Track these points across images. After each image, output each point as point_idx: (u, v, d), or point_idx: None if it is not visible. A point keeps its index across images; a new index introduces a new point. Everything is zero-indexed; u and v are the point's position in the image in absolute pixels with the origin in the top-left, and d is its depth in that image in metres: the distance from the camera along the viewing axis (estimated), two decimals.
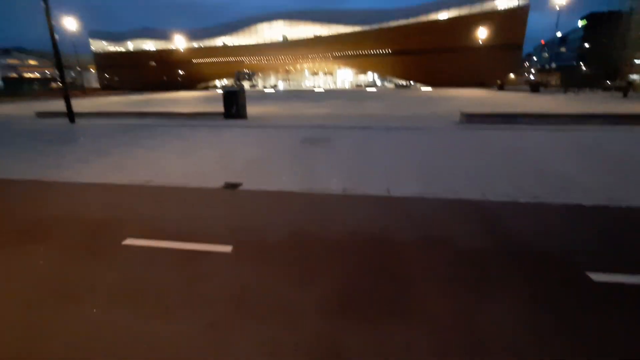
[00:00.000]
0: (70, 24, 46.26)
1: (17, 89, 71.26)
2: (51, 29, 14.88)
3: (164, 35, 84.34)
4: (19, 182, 6.73)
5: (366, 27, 72.21)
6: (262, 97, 39.83)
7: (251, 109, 19.22)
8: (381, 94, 45.95)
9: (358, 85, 77.47)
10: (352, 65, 78.11)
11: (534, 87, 42.82)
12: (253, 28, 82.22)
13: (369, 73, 78.62)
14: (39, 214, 5.08)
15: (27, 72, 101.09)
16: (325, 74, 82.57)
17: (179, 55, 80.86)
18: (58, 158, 8.78)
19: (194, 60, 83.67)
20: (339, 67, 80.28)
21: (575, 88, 44.67)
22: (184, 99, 37.54)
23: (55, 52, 15.33)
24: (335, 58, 77.16)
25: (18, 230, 4.51)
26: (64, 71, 15.94)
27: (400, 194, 5.65)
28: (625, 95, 31.51)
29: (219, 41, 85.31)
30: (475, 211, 4.87)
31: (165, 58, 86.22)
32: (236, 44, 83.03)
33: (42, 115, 18.64)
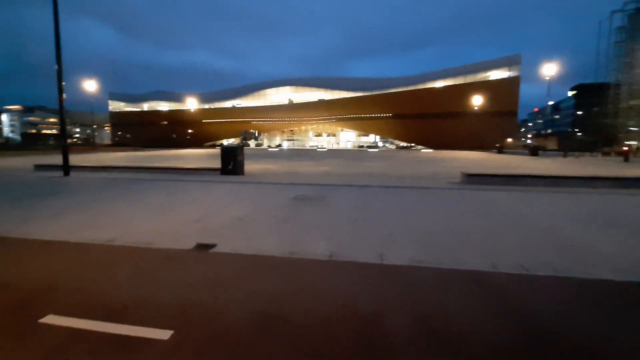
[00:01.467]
0: (90, 86, 49.50)
1: (34, 143, 74.39)
2: (60, 91, 15.45)
3: (176, 98, 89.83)
4: None
5: (367, 93, 76.72)
6: (266, 155, 40.54)
7: (251, 166, 19.09)
8: (382, 154, 46.72)
9: (360, 146, 79.79)
10: (353, 127, 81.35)
11: (533, 151, 43.42)
12: (261, 92, 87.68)
13: (371, 135, 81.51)
14: None
15: (46, 128, 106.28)
16: (327, 135, 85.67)
17: (189, 115, 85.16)
18: (29, 212, 8.17)
19: (203, 120, 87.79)
20: (341, 129, 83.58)
21: (576, 152, 45.26)
22: (188, 155, 38.19)
23: (60, 111, 15.72)
24: (337, 120, 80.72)
25: None
26: (65, 128, 16.19)
27: (395, 261, 4.84)
28: (626, 160, 31.61)
29: (228, 104, 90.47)
30: (486, 286, 4.01)
31: (175, 118, 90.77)
32: (245, 106, 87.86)
33: (39, 167, 18.57)
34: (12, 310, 3.47)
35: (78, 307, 3.51)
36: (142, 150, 59.54)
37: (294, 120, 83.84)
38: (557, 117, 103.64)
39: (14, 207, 8.67)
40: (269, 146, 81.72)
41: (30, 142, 77.93)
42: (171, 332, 3.05)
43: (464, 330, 3.10)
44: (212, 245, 5.55)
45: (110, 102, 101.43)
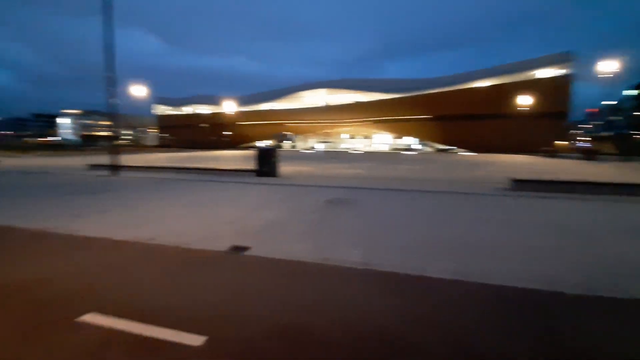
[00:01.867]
0: (138, 91, 52.90)
1: (91, 144, 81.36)
2: (110, 98, 16.59)
3: (214, 101, 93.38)
4: (21, 230, 6.51)
5: (404, 95, 74.91)
6: (300, 157, 40.86)
7: (286, 168, 19.23)
8: (420, 157, 45.31)
9: (396, 149, 78.04)
10: (389, 130, 79.78)
11: (588, 154, 39.83)
12: (295, 95, 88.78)
13: (407, 137, 79.52)
14: (14, 270, 4.58)
15: (99, 131, 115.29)
16: (363, 137, 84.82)
17: (226, 118, 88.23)
18: (80, 208, 8.72)
19: (239, 123, 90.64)
20: (377, 131, 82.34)
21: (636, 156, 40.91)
22: (225, 157, 39.49)
23: (111, 116, 16.87)
24: (372, 122, 79.62)
25: None
26: (116, 130, 17.33)
27: (436, 273, 4.49)
28: None
29: (263, 106, 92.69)
30: (546, 309, 3.57)
31: (214, 120, 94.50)
32: (279, 108, 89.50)
33: (92, 167, 20.03)
34: (53, 306, 3.62)
35: (117, 306, 3.58)
36: (183, 151, 62.62)
37: (328, 123, 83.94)
38: (614, 118, 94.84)
39: (67, 204, 9.32)
40: (304, 148, 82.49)
41: (86, 143, 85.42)
42: (204, 338, 2.99)
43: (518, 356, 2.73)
44: (246, 248, 5.52)
45: (155, 106, 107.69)
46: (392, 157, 45.02)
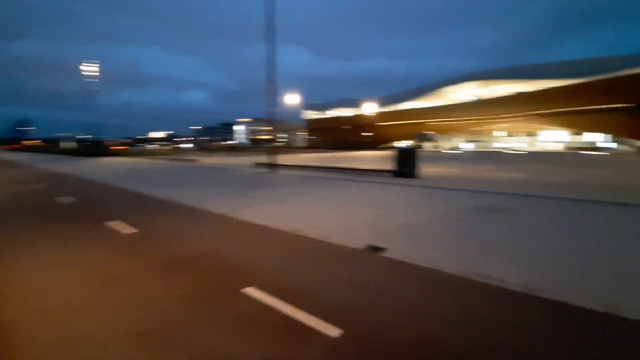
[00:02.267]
0: (292, 99, 60.51)
1: (257, 146, 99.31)
2: (270, 106, 19.53)
3: (356, 103, 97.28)
4: (202, 211, 8.31)
5: (588, 79, 58.95)
6: (443, 158, 38.00)
7: (428, 169, 18.27)
8: (612, 159, 35.00)
9: (575, 148, 62.09)
10: (564, 124, 64.34)
11: None
12: (438, 92, 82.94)
13: (591, 133, 62.48)
14: (196, 244, 5.87)
15: (262, 135, 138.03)
16: (525, 134, 71.84)
17: (366, 119, 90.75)
18: (246, 198, 10.57)
19: (380, 123, 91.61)
20: (544, 126, 68.02)
21: None
22: (365, 157, 40.68)
23: (271, 123, 19.82)
24: (539, 116, 66.12)
25: (170, 260, 5.25)
26: (274, 134, 20.25)
27: (632, 313, 3.28)
28: None
29: (403, 106, 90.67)
30: None
31: (355, 122, 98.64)
32: (421, 106, 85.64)
33: (256, 165, 24.15)
34: (223, 276, 4.43)
35: (271, 284, 4.11)
36: (327, 151, 68.12)
37: (478, 119, 74.75)
38: None
39: (238, 194, 11.45)
40: (448, 148, 76.20)
41: (254, 145, 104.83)
42: (340, 331, 3.07)
43: None
44: (383, 249, 5.44)
45: (304, 111, 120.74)
46: (569, 158, 36.33)
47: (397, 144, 74.36)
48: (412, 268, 4.69)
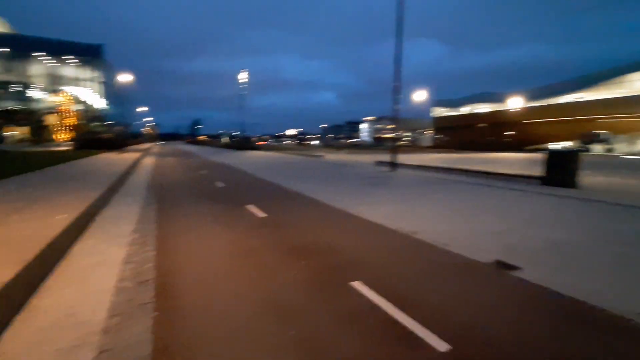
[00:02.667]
0: (419, 96, 57.81)
1: (379, 145, 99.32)
2: (395, 104, 19.07)
3: (496, 98, 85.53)
4: (325, 205, 8.73)
5: None
6: (621, 165, 29.24)
7: (593, 178, 14.72)
8: None
9: None
10: None
11: None
12: (615, 80, 64.81)
13: None
14: (314, 234, 6.22)
15: (387, 133, 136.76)
16: None
17: (508, 116, 78.75)
18: (364, 196, 10.69)
19: (525, 121, 78.12)
20: None
21: None
22: (503, 159, 35.46)
23: (394, 120, 19.39)
24: None
25: (291, 245, 5.70)
26: (397, 132, 19.79)
27: None
28: None
29: (561, 99, 74.54)
30: None
31: (494, 119, 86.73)
32: (589, 99, 68.72)
33: (377, 163, 24.13)
34: (335, 267, 4.59)
35: (379, 282, 4.06)
36: (456, 152, 62.48)
37: None
38: None
39: (358, 191, 11.68)
40: (629, 153, 58.70)
41: (378, 143, 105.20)
42: (449, 347, 2.79)
43: None
44: (515, 267, 4.64)
45: (433, 108, 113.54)
46: None
47: (552, 145, 61.91)
48: (552, 295, 3.84)
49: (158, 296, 3.71)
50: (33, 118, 50.45)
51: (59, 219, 5.49)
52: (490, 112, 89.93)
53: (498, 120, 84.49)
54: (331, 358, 2.70)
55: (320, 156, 35.61)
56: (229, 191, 11.63)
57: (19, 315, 3.20)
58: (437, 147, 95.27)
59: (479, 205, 9.31)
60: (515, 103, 69.75)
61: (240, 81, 55.87)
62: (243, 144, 59.29)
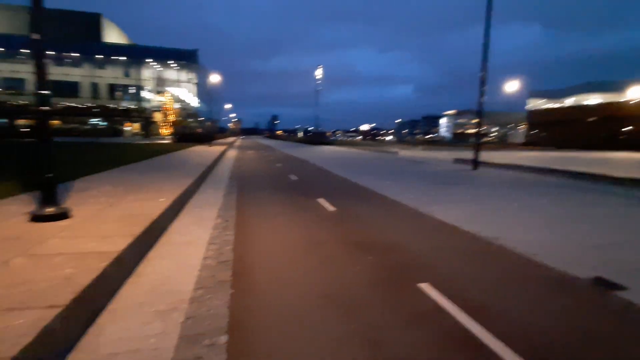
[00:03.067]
0: (511, 86, 51.95)
1: (459, 141, 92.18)
2: (480, 96, 17.45)
3: (612, 88, 72.21)
4: (398, 204, 8.47)
5: None
6: None
7: None
8: None
9: None
10: None
11: None
12: None
13: None
14: (382, 231, 6.09)
15: (469, 129, 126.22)
16: None
17: (629, 109, 65.88)
18: (439, 195, 10.10)
19: None
20: None
21: None
22: (620, 161, 29.84)
23: (479, 114, 17.79)
24: None
25: (358, 240, 5.67)
26: (481, 127, 18.17)
27: None
28: None
29: None
30: None
31: (607, 112, 73.43)
32: None
33: (457, 161, 22.48)
34: (401, 266, 4.47)
35: (448, 286, 3.84)
36: (554, 150, 54.69)
37: None
38: None
39: (432, 190, 11.10)
40: None
41: (457, 140, 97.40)
42: None
43: None
44: (620, 287, 3.94)
45: (529, 100, 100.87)
46: None
47: None
48: None
49: (234, 275, 4.09)
50: (143, 115, 59.30)
51: (161, 202, 6.41)
52: (602, 103, 76.27)
53: (613, 114, 71.30)
54: (392, 357, 2.66)
55: (394, 152, 34.65)
56: (302, 184, 12.11)
57: (129, 278, 3.85)
58: (530, 144, 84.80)
59: (579, 213, 8.07)
60: (637, 93, 57.96)
61: (315, 77, 57.38)
62: (316, 138, 60.96)
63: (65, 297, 2.69)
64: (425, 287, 3.84)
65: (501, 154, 35.43)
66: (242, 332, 2.92)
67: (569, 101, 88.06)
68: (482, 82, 17.48)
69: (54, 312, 2.46)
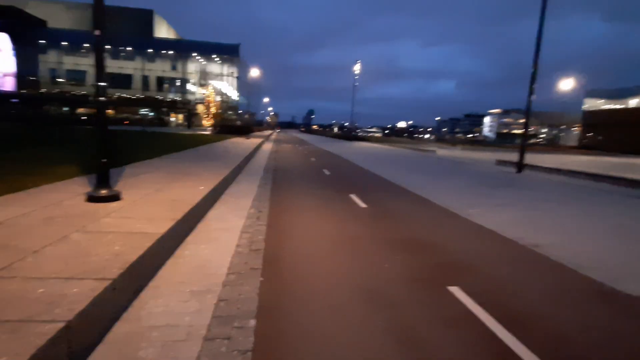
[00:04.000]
0: (566, 85, 48.13)
1: (504, 141, 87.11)
2: (530, 95, 16.36)
3: None
4: (432, 204, 8.23)
5: None
6: None
7: None
8: None
9: None
10: None
11: None
12: None
13: None
14: (414, 231, 5.96)
15: (516, 129, 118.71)
16: None
17: None
18: (478, 198, 9.68)
19: None
20: None
21: None
22: None
23: (527, 113, 16.71)
24: None
25: (389, 238, 5.59)
26: (527, 128, 17.18)
27: None
28: None
29: None
30: None
31: None
32: None
33: (499, 162, 21.31)
34: (432, 267, 4.39)
35: (481, 292, 3.70)
36: (613, 155, 49.99)
37: None
38: None
39: (470, 192, 10.66)
40: None
41: (501, 140, 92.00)
42: None
43: None
44: None
45: (586, 100, 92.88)
46: None
47: None
48: None
49: (265, 264, 4.24)
50: (187, 107, 62.34)
51: (200, 189, 6.75)
52: None
53: None
54: (419, 356, 2.64)
55: (431, 151, 33.58)
56: (334, 179, 12.15)
57: (169, 259, 4.13)
58: (584, 147, 78.33)
59: (634, 226, 7.38)
60: None
61: (354, 72, 56.85)
62: (351, 134, 60.62)
63: (114, 271, 2.95)
64: (455, 290, 3.74)
65: (550, 157, 33.05)
66: (270, 318, 3.04)
67: (633, 102, 79.92)
68: (533, 79, 16.36)
69: (104, 284, 2.72)
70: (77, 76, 56.89)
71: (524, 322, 3.18)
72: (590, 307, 3.59)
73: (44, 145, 13.86)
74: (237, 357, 2.47)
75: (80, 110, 53.66)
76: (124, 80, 58.46)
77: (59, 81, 56.88)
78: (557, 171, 17.64)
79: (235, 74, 68.38)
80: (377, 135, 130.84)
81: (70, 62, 57.10)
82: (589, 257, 5.02)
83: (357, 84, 58.07)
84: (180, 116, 63.77)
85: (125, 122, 49.76)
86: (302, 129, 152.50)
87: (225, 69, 67.00)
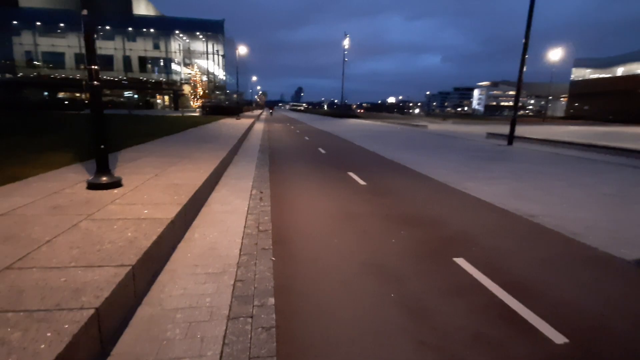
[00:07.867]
0: (554, 55, 47.95)
1: (493, 114, 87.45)
2: (522, 64, 16.28)
3: None
4: (429, 179, 8.37)
5: None
6: None
7: None
8: None
9: None
10: None
11: None
12: None
13: None
14: (413, 206, 6.11)
15: (504, 101, 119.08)
16: None
17: None
18: (472, 171, 9.85)
19: None
20: None
21: None
22: None
23: (518, 84, 16.67)
24: None
25: (390, 214, 5.72)
26: (518, 100, 17.14)
27: None
28: None
29: None
30: None
31: None
32: None
33: (490, 135, 21.54)
34: (435, 240, 4.53)
35: (486, 262, 3.87)
36: (599, 124, 50.86)
37: None
38: None
39: (464, 165, 10.82)
40: None
41: (490, 112, 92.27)
42: (566, 339, 2.58)
43: None
44: None
45: (573, 70, 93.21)
46: None
47: None
48: None
49: (275, 244, 4.32)
50: (173, 88, 60.48)
51: (201, 173, 6.71)
52: None
53: None
54: (434, 326, 2.79)
55: (423, 126, 33.64)
56: (331, 157, 12.16)
57: (180, 243, 4.17)
58: (572, 117, 79.37)
59: (624, 192, 7.66)
60: None
61: (342, 48, 55.55)
62: (342, 111, 60.03)
63: (131, 257, 2.98)
64: (460, 261, 3.90)
65: (539, 129, 33.46)
66: (287, 295, 3.14)
67: (620, 71, 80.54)
68: (524, 51, 16.28)
69: (125, 270, 2.75)
70: (55, 59, 54.27)
71: (528, 288, 3.36)
72: (587, 271, 3.79)
73: (31, 132, 13.44)
74: (262, 333, 2.58)
75: (61, 94, 51.64)
76: (104, 61, 56.05)
77: (36, 64, 54.24)
78: (546, 142, 17.97)
79: (221, 52, 66.17)
80: (359, 111, 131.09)
81: (47, 43, 54.28)
82: (583, 225, 5.24)
83: (346, 59, 56.87)
84: (167, 98, 62.02)
85: (109, 106, 48.18)
86: (292, 107, 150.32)
87: (210, 47, 64.68)
